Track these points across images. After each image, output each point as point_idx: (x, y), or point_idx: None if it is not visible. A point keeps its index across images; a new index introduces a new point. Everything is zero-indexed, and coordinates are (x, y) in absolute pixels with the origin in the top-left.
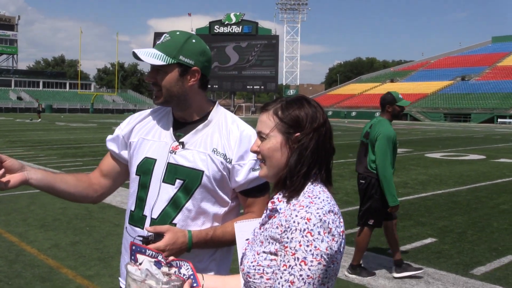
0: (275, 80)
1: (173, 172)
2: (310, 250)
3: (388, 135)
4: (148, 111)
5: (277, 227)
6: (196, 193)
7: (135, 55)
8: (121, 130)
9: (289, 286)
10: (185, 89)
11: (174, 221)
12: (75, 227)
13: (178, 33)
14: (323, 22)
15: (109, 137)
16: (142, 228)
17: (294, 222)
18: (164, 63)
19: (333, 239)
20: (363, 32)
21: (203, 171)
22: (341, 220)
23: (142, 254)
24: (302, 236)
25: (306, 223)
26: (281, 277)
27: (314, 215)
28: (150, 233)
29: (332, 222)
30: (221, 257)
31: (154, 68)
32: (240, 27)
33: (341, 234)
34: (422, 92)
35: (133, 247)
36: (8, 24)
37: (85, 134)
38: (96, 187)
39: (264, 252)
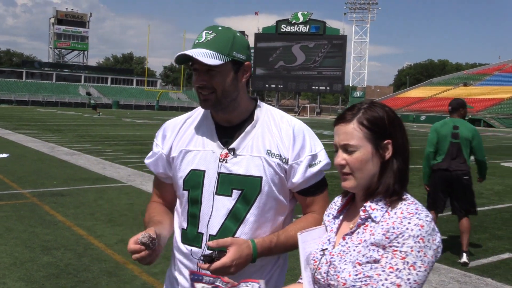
0: (342, 81)
1: (227, 182)
2: (420, 256)
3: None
4: (181, 118)
5: (383, 235)
6: (257, 202)
7: (182, 59)
8: (161, 148)
9: None
10: (238, 88)
11: (236, 235)
12: (141, 223)
13: (220, 28)
14: (393, 22)
15: (151, 159)
16: (200, 247)
17: (407, 228)
18: (221, 62)
19: (437, 248)
20: (435, 33)
21: (261, 177)
22: None
23: (199, 282)
24: (415, 242)
25: (419, 229)
26: (386, 279)
27: (425, 222)
28: (211, 251)
29: (437, 230)
30: (283, 263)
31: (204, 69)
32: (308, 26)
33: (440, 242)
34: (498, 97)
35: (191, 276)
36: (80, 21)
37: (150, 131)
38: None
39: (368, 262)
